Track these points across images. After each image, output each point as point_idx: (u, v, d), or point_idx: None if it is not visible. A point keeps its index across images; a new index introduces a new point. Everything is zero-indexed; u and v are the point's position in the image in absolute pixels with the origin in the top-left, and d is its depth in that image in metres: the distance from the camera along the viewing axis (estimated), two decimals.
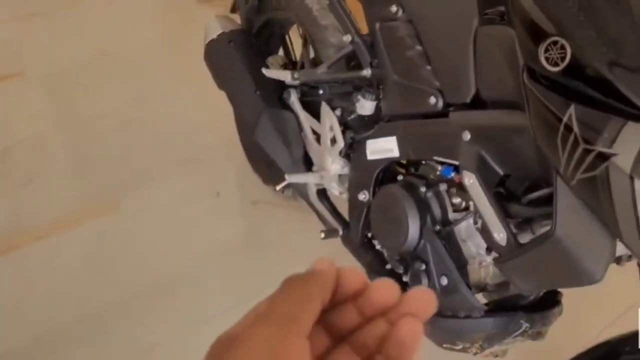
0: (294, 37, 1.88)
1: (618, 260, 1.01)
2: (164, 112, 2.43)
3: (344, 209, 1.51)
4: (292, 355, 0.35)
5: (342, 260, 1.52)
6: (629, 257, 1.01)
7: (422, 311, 0.40)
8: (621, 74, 0.77)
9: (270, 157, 1.62)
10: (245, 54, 1.64)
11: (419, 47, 1.17)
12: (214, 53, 1.70)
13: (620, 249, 0.89)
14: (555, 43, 0.82)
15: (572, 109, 0.80)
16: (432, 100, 1.14)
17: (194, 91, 2.43)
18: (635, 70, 0.76)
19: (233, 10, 1.85)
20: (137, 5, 3.14)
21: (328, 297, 0.40)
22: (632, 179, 0.74)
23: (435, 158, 1.18)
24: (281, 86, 1.61)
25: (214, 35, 1.68)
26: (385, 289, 0.41)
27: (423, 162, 1.25)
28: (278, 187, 1.65)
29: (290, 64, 1.79)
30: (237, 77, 1.62)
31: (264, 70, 1.57)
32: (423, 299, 0.41)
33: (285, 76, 1.51)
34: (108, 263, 1.90)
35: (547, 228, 0.95)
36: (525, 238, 1.03)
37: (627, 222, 0.76)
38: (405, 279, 1.27)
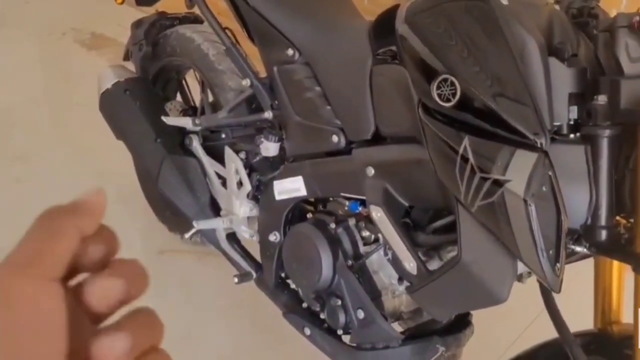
0: (191, 82, 1.88)
1: (519, 278, 1.07)
2: (50, 170, 2.31)
3: (255, 252, 1.50)
4: (34, 301, 0.31)
5: (259, 301, 1.50)
6: (529, 274, 1.07)
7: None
8: (506, 106, 0.83)
9: (176, 204, 1.59)
10: (143, 102, 1.62)
11: (317, 88, 1.20)
12: (110, 103, 1.66)
13: (521, 267, 0.95)
14: (445, 80, 0.88)
15: (466, 141, 0.86)
16: (335, 138, 1.17)
17: (84, 145, 2.34)
18: (518, 101, 0.83)
19: (126, 58, 1.82)
20: (21, 56, 3.01)
21: (92, 227, 0.35)
22: (526, 202, 0.80)
23: (342, 194, 1.21)
24: (182, 132, 1.59)
25: (109, 85, 1.64)
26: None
27: (330, 199, 1.27)
28: (186, 235, 1.62)
29: (189, 109, 1.78)
30: (136, 126, 1.59)
31: (164, 118, 1.55)
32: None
33: (187, 123, 1.50)
34: None
35: (454, 254, 0.99)
36: (434, 265, 1.08)
37: (525, 243, 0.82)
38: (322, 316, 1.28)
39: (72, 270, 0.35)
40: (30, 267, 0.31)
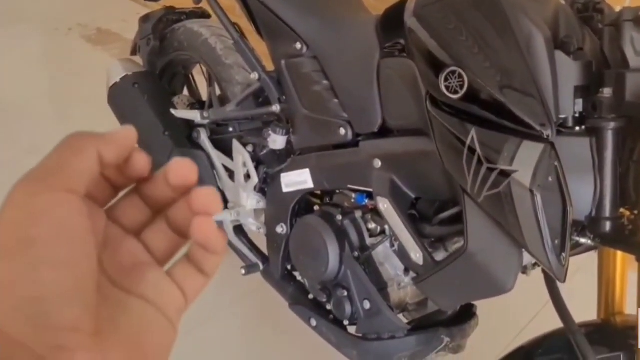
0: (197, 77, 1.89)
1: (524, 270, 1.08)
2: None
3: (262, 244, 1.52)
4: (53, 211, 0.31)
5: (265, 293, 1.51)
6: (534, 266, 1.09)
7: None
8: (513, 98, 0.84)
9: None
10: (151, 96, 1.63)
11: (325, 82, 1.22)
12: (118, 96, 1.67)
13: (526, 259, 0.96)
14: (453, 73, 0.89)
15: (473, 132, 0.87)
16: (342, 131, 1.19)
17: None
18: (525, 93, 0.84)
19: (134, 52, 1.84)
20: (28, 52, 3.03)
21: (113, 155, 0.35)
22: (532, 192, 0.81)
23: (349, 186, 1.22)
24: (189, 126, 1.61)
25: (117, 79, 1.65)
26: (181, 169, 0.38)
27: (337, 191, 1.29)
28: None
29: (196, 103, 1.79)
30: (145, 119, 1.61)
31: (172, 111, 1.57)
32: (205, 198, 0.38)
33: (195, 116, 1.51)
34: None
35: (460, 245, 1.01)
36: (439, 256, 1.09)
37: (531, 233, 0.83)
38: (329, 307, 1.29)
39: (107, 194, 0.37)
40: (48, 180, 0.32)
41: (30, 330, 0.29)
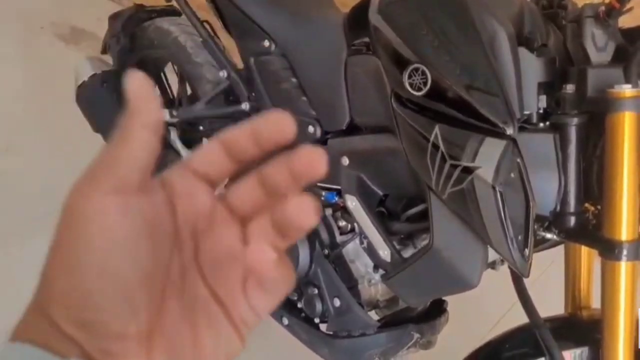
0: (170, 75, 1.87)
1: (492, 265, 1.09)
2: (34, 162, 2.29)
3: None
4: (102, 217, 0.30)
5: None
6: (502, 261, 1.09)
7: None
8: (476, 95, 0.85)
9: None
10: (120, 95, 1.61)
11: (293, 79, 1.21)
12: (87, 96, 1.65)
13: (494, 254, 0.97)
14: (417, 70, 0.89)
15: (437, 129, 0.87)
16: (311, 129, 1.18)
17: (66, 138, 2.33)
18: (488, 90, 0.84)
19: (104, 51, 1.81)
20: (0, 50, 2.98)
21: (157, 114, 0.32)
22: (494, 189, 0.82)
23: (319, 184, 1.22)
24: None
25: (86, 78, 1.63)
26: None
27: (307, 189, 1.28)
28: None
29: (167, 102, 1.77)
30: (114, 118, 1.58)
31: None
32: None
33: (164, 115, 1.50)
34: None
35: (427, 241, 1.01)
36: (408, 253, 1.10)
37: (494, 229, 0.84)
38: (300, 305, 1.29)
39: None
40: (98, 180, 0.30)
41: (80, 332, 0.30)
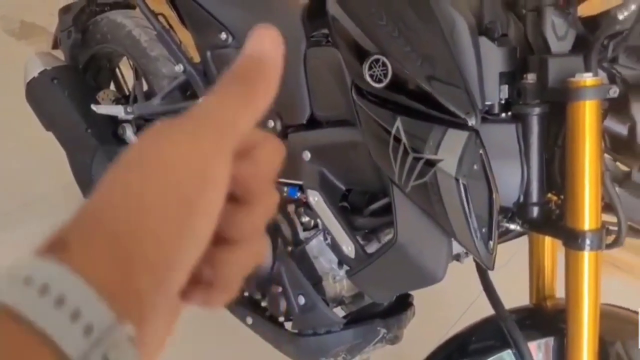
0: (125, 70, 1.82)
1: (457, 257, 1.08)
2: None
3: None
4: (218, 177, 0.28)
5: None
6: (467, 254, 1.08)
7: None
8: (437, 86, 0.83)
9: None
10: (72, 91, 1.56)
11: None
12: (37, 92, 1.59)
13: (459, 247, 0.96)
14: (377, 61, 0.87)
15: (398, 122, 0.85)
16: (271, 123, 1.16)
17: (19, 135, 2.25)
18: (449, 81, 0.83)
19: (55, 46, 1.75)
20: None
21: (274, 86, 0.31)
22: (457, 181, 0.80)
23: (281, 180, 1.19)
24: (115, 122, 1.54)
25: (35, 74, 1.57)
26: None
27: None
28: None
29: (122, 98, 1.72)
30: (65, 116, 1.53)
31: (93, 107, 1.50)
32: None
33: (118, 111, 1.45)
34: None
35: (391, 236, 1.00)
36: (373, 248, 1.08)
37: (458, 221, 0.83)
38: (264, 303, 1.26)
39: None
40: (231, 136, 0.29)
41: (151, 284, 0.26)
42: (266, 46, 0.32)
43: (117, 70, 1.82)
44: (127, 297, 0.25)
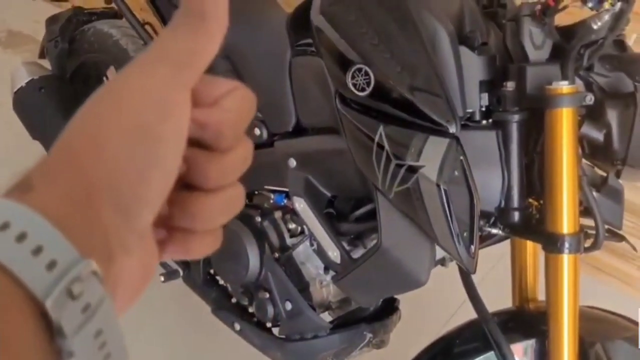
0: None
1: (442, 261, 1.10)
2: None
3: None
4: (181, 115, 0.29)
5: (188, 299, 1.47)
6: (451, 258, 1.10)
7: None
8: (418, 94, 0.85)
9: None
10: (59, 101, 1.56)
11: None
12: (24, 102, 1.59)
13: (443, 252, 0.97)
14: (360, 70, 0.89)
15: (381, 129, 0.87)
16: (257, 131, 1.17)
17: (5, 145, 2.24)
18: (429, 89, 0.85)
19: (42, 55, 1.75)
20: None
21: (225, 27, 0.31)
22: (439, 186, 0.82)
23: (267, 187, 1.20)
24: None
25: (23, 83, 1.57)
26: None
27: (256, 192, 1.27)
28: None
29: None
30: (53, 125, 1.53)
31: None
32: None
33: None
34: None
35: (376, 241, 1.01)
36: (358, 253, 1.09)
37: (440, 226, 0.84)
38: (251, 309, 1.27)
39: None
40: (190, 70, 0.29)
41: (116, 218, 0.27)
42: None
43: (104, 79, 1.82)
44: (92, 232, 0.25)
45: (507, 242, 1.07)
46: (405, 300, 1.29)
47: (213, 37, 0.30)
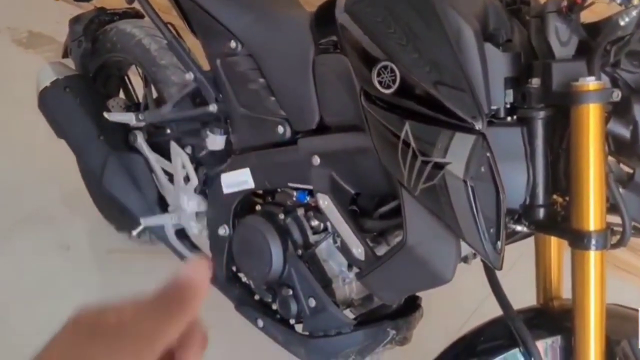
0: (134, 78, 1.84)
1: (465, 259, 1.10)
2: None
3: (205, 247, 1.49)
4: None
5: (211, 297, 1.50)
6: (474, 255, 1.10)
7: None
8: (444, 91, 0.85)
9: (122, 202, 1.56)
10: (84, 99, 1.58)
11: (261, 80, 1.20)
12: (49, 101, 1.61)
13: (466, 249, 0.98)
14: (385, 67, 0.90)
15: (407, 126, 0.87)
16: (280, 129, 1.18)
17: (26, 144, 2.27)
18: (455, 86, 0.85)
19: (65, 55, 1.78)
20: None
21: (197, 312, 0.33)
22: (465, 183, 0.82)
23: (290, 185, 1.21)
24: (125, 129, 1.57)
25: (48, 83, 1.59)
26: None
27: (279, 190, 1.28)
28: (134, 233, 1.59)
29: (132, 106, 1.75)
30: (77, 123, 1.56)
31: (105, 114, 1.52)
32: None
33: (130, 118, 1.48)
34: None
35: (400, 238, 1.01)
36: (382, 250, 1.10)
37: (466, 223, 0.85)
38: (274, 306, 1.28)
39: None
40: (151, 348, 0.30)
41: None
42: (196, 275, 0.34)
43: (126, 78, 1.84)
44: None
45: (524, 243, 1.07)
46: (427, 297, 1.29)
47: (180, 325, 0.32)
